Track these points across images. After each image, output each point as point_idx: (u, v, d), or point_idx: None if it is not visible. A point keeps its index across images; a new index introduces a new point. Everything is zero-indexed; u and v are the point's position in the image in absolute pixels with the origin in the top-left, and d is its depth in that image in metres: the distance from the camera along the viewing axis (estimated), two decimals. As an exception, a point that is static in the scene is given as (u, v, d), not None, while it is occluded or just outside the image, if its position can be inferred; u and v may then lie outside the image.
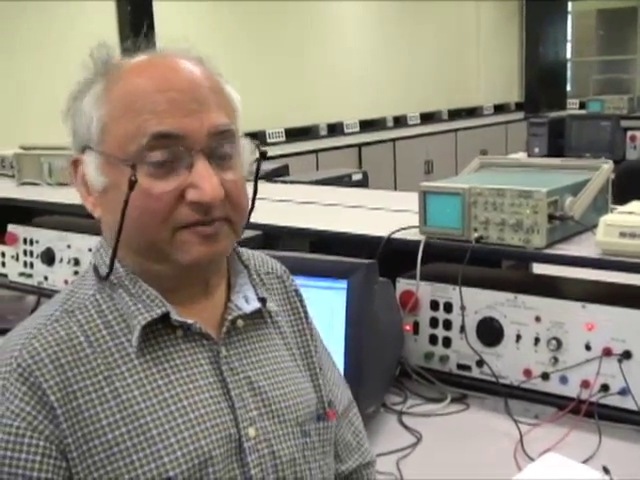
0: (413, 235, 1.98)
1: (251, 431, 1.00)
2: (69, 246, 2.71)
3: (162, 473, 0.94)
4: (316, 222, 2.15)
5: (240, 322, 1.06)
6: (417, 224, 1.96)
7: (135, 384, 0.97)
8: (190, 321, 1.01)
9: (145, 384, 0.97)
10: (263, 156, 1.06)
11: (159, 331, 1.00)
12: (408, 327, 2.02)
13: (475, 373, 1.94)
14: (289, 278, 1.20)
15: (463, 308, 1.93)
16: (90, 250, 2.62)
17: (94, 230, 2.62)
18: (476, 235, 1.84)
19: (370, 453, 1.29)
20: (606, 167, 1.93)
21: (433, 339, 2.00)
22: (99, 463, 0.93)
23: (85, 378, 0.95)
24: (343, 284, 1.63)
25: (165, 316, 1.00)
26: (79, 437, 0.93)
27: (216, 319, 1.06)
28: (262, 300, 1.10)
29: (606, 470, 1.46)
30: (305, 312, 1.21)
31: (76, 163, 1.05)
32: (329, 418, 1.13)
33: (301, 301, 1.21)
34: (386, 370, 1.82)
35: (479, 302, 1.92)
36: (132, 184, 0.95)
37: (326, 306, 1.67)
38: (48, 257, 2.75)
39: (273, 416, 1.04)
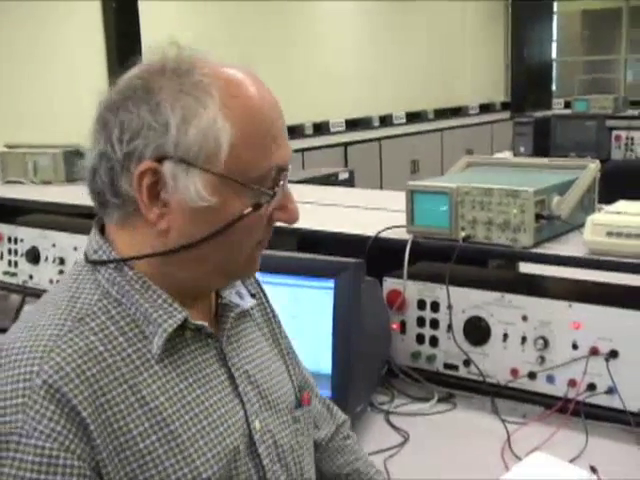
0: (400, 234, 1.97)
1: (257, 424, 1.02)
2: (54, 245, 2.69)
3: (196, 477, 0.94)
4: (303, 221, 2.12)
5: (232, 319, 1.07)
6: (404, 223, 1.96)
7: (159, 390, 0.95)
8: (203, 323, 1.01)
9: (168, 389, 0.96)
10: None
11: (170, 334, 0.99)
12: (395, 326, 2.02)
13: (462, 372, 1.94)
14: None
15: (450, 307, 1.93)
16: (75, 249, 2.60)
17: (79, 229, 2.63)
18: (463, 234, 1.84)
19: (341, 414, 1.35)
20: (593, 166, 1.93)
21: (420, 338, 2.00)
22: (131, 474, 0.91)
23: (112, 389, 0.92)
24: (330, 283, 1.62)
25: None
26: (111, 450, 0.91)
27: (211, 316, 1.07)
28: (253, 296, 1.12)
29: (593, 469, 1.46)
30: (267, 299, 1.22)
31: (145, 173, 0.95)
32: (305, 403, 1.15)
33: (262, 289, 1.22)
34: (373, 369, 1.82)
35: (466, 301, 1.92)
36: (258, 207, 0.97)
37: (313, 305, 1.66)
38: (33, 256, 2.73)
39: (270, 407, 1.06)
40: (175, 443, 0.94)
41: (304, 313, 1.66)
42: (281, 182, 0.99)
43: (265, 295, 1.22)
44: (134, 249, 0.99)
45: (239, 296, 1.09)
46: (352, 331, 1.62)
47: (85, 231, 2.63)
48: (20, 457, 0.86)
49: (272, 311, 1.21)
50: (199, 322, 1.00)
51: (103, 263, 1.00)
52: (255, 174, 0.96)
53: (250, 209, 0.96)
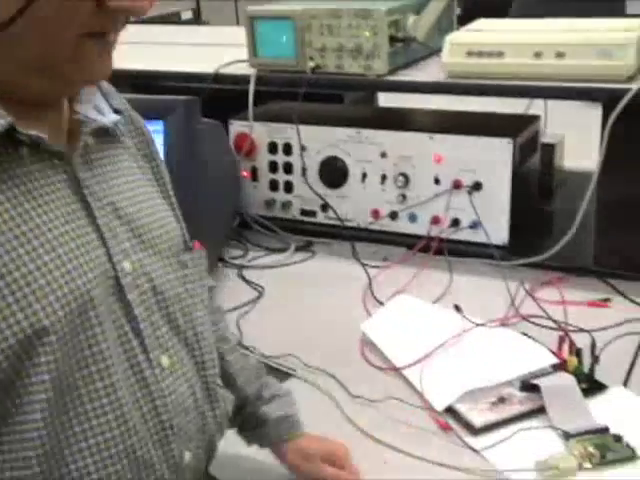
0: (244, 69, 1.75)
1: (127, 265, 0.83)
2: None
3: (34, 323, 0.73)
4: (136, 61, 1.88)
5: (91, 139, 0.85)
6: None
7: None
8: (40, 134, 0.77)
9: None
10: None
11: None
12: (246, 173, 1.84)
13: (320, 218, 1.80)
14: (118, 94, 0.96)
15: (303, 148, 1.76)
16: None
17: None
18: (312, 64, 1.64)
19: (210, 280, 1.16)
20: (450, -19, 1.75)
21: (274, 185, 1.83)
22: None
23: None
24: (159, 126, 1.41)
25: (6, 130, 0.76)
26: None
27: (63, 135, 0.84)
28: (117, 112, 0.89)
29: (457, 308, 1.36)
30: (149, 133, 0.99)
31: None
32: (196, 248, 0.96)
33: (140, 120, 0.99)
34: (220, 221, 1.64)
35: (320, 141, 1.75)
36: None
37: (144, 153, 1.45)
38: None
39: (147, 247, 0.87)
40: (4, 282, 0.73)
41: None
42: None
43: (147, 129, 0.99)
44: None
45: (98, 111, 0.86)
46: (188, 179, 1.42)
47: None
48: None
49: (154, 149, 0.99)
50: (33, 132, 0.77)
51: None
52: None
53: None
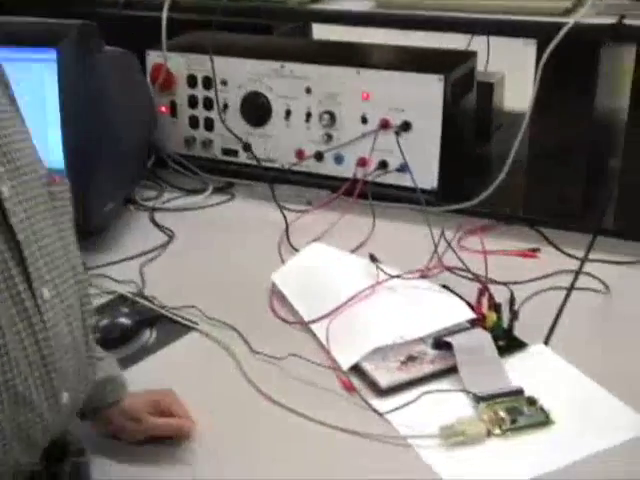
0: (159, -5, 1.61)
1: (5, 189, 0.78)
2: None
3: None
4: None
5: None
6: (163, -19, 1.60)
7: None
8: None
9: None
10: None
11: None
12: (164, 109, 1.71)
13: (242, 158, 1.69)
14: None
15: (223, 82, 1.64)
16: None
17: None
18: (230, -10, 1.51)
19: None
20: None
21: (193, 122, 1.71)
22: None
23: None
24: (52, 54, 1.27)
25: None
26: None
27: None
28: None
29: (373, 258, 1.27)
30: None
31: None
32: (57, 182, 0.90)
33: None
34: (129, 159, 1.51)
35: (242, 75, 1.63)
36: None
37: (36, 84, 1.31)
38: None
39: (20, 174, 0.82)
40: None
41: (26, 96, 1.31)
42: None
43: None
44: None
45: None
46: (85, 112, 1.29)
47: None
48: None
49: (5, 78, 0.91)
50: None
51: None
52: None
53: None
